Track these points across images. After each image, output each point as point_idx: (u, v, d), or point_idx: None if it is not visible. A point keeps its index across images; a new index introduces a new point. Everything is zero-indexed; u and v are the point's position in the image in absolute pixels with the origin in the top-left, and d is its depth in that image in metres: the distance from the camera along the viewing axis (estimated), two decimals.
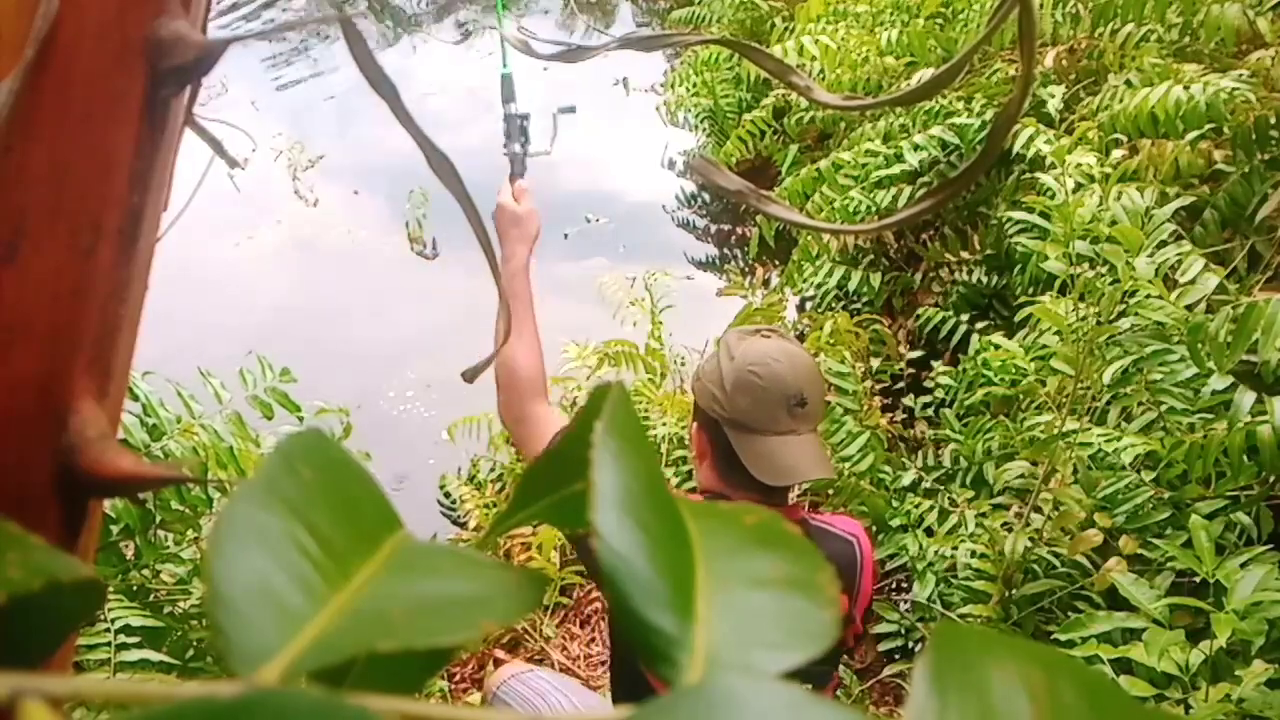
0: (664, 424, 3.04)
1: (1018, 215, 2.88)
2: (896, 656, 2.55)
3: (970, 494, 2.56)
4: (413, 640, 0.21)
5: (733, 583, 0.23)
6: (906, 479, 2.67)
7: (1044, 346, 2.49)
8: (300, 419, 2.19)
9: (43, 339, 0.33)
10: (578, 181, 5.26)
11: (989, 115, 3.26)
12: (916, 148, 3.31)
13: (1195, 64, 2.97)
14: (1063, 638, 1.94)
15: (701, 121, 5.08)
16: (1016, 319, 2.74)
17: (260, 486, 0.23)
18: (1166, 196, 2.58)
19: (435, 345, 4.13)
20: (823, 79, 3.76)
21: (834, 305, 3.56)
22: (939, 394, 2.97)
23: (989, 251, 3.21)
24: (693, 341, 3.71)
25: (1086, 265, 2.28)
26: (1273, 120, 2.61)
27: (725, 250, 4.85)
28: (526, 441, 1.49)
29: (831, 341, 2.86)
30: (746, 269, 4.46)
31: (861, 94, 3.57)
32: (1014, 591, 2.24)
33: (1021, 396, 2.55)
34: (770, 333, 1.48)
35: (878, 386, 3.12)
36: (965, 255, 3.29)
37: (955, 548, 2.38)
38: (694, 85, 5.01)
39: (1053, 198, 2.51)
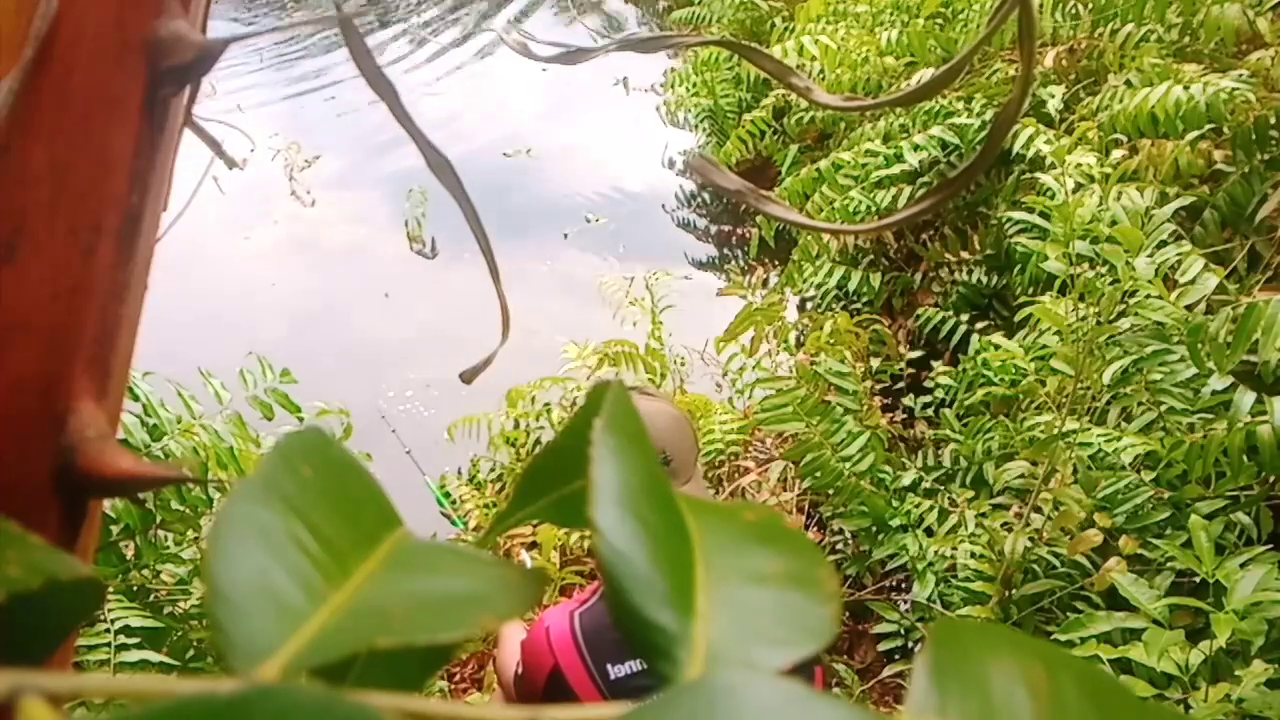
0: None
1: (1018, 215, 2.88)
2: (896, 656, 2.55)
3: (970, 494, 2.55)
4: (412, 637, 0.21)
5: (732, 579, 0.23)
6: (906, 479, 2.67)
7: (1044, 346, 2.48)
8: (300, 419, 2.19)
9: (42, 339, 0.33)
10: (578, 181, 5.27)
11: (989, 115, 3.26)
12: (916, 148, 3.31)
13: (1195, 64, 2.97)
14: (1062, 638, 1.94)
15: (701, 121, 5.08)
16: (1016, 319, 2.73)
17: (260, 484, 0.23)
18: (1166, 196, 2.58)
19: (435, 345, 4.13)
20: (823, 79, 3.76)
21: (834, 305, 3.57)
22: (939, 394, 2.97)
23: (989, 251, 3.21)
24: (693, 341, 3.71)
25: (1086, 265, 2.28)
26: (1273, 120, 2.61)
27: (725, 250, 4.85)
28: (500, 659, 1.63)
29: (831, 341, 2.86)
30: (746, 269, 4.46)
31: (861, 94, 3.57)
32: (1014, 591, 2.24)
33: (1021, 396, 2.55)
34: (634, 394, 1.50)
35: (878, 386, 3.12)
36: (965, 255, 3.29)
37: (955, 548, 2.38)
38: (694, 85, 5.01)
39: (1053, 198, 2.51)
